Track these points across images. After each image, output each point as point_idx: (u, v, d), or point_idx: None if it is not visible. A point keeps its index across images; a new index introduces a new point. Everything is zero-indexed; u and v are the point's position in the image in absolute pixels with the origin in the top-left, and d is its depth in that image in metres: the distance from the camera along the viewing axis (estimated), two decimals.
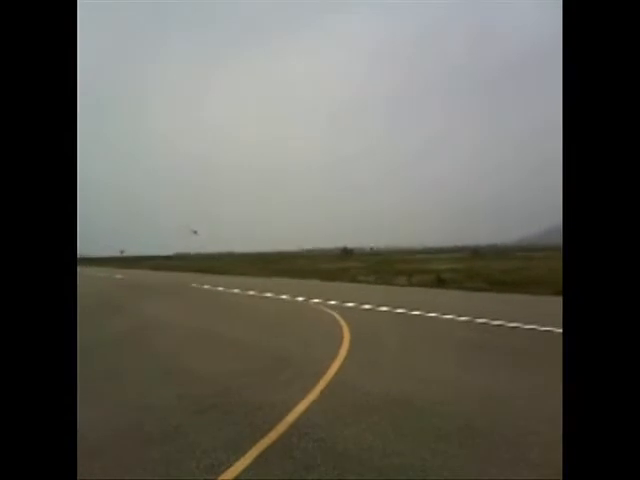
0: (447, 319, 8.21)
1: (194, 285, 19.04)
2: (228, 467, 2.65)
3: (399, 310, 9.54)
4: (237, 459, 2.75)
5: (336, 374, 4.65)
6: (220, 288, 16.96)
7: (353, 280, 19.72)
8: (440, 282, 16.19)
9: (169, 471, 2.65)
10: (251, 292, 15.06)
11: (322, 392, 4.06)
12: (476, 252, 58.60)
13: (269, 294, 14.10)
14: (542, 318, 7.69)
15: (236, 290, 15.96)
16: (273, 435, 3.10)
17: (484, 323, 7.65)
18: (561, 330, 6.69)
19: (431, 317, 8.53)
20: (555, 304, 9.65)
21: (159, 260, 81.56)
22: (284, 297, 13.11)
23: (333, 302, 11.27)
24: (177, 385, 4.47)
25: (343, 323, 7.99)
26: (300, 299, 12.40)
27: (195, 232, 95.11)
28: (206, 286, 18.18)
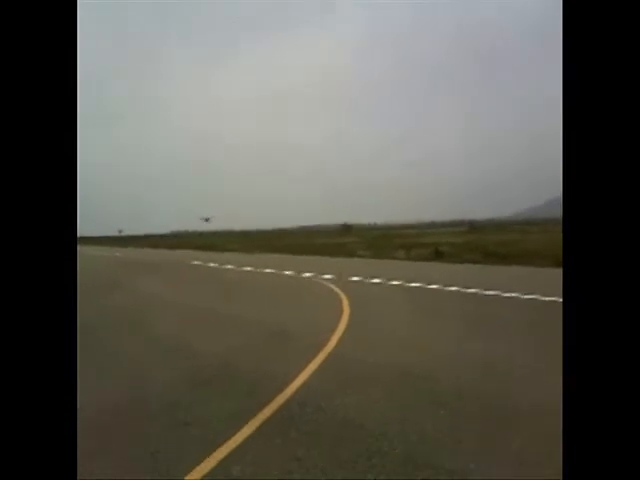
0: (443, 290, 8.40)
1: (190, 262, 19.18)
2: (232, 436, 2.74)
3: (395, 282, 9.69)
4: (239, 429, 2.83)
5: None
6: (229, 266, 17.01)
7: (353, 255, 19.82)
8: (438, 255, 16.30)
9: None
10: (248, 268, 15.21)
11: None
12: (473, 226, 58.50)
13: (269, 270, 14.21)
14: (534, 288, 7.90)
15: (230, 266, 16.06)
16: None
17: (476, 293, 7.88)
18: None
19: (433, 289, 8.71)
20: (549, 275, 9.92)
21: (156, 239, 79.61)
22: (288, 273, 13.21)
23: (332, 276, 11.36)
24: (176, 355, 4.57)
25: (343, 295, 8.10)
26: (307, 275, 12.52)
27: (207, 220, 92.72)
28: (211, 264, 18.25)
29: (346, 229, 68.34)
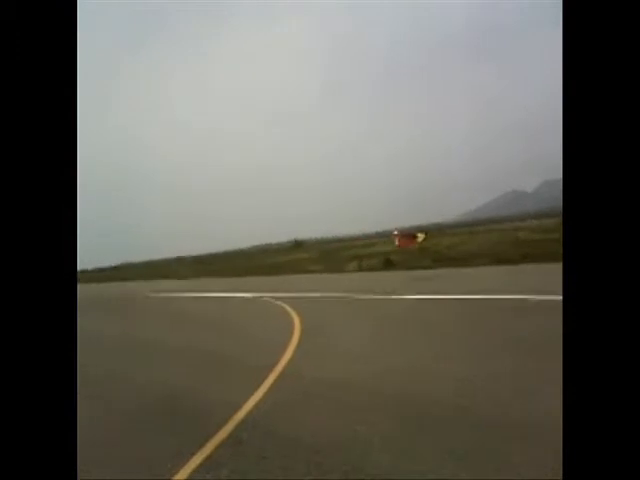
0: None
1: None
2: None
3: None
4: None
5: None
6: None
7: (305, 271, 19.54)
8: (388, 264, 16.38)
9: None
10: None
11: None
12: (422, 232, 60.01)
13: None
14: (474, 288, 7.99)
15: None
16: None
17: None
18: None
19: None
20: (491, 272, 10.61)
21: (93, 273, 67.83)
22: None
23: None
24: None
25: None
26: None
27: None
28: None
29: (297, 245, 68.04)
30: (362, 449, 2.70)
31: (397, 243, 12.73)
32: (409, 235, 14.30)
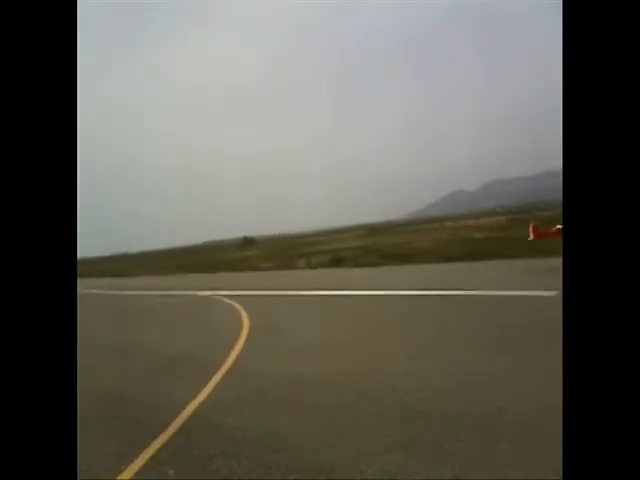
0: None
1: None
2: None
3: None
4: None
5: None
6: None
7: (255, 269, 19.33)
8: (338, 261, 16.58)
9: None
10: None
11: None
12: (371, 230, 61.18)
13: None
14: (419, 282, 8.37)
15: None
16: None
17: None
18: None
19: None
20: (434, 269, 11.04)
21: None
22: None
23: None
24: None
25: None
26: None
27: None
28: None
29: (248, 242, 67.22)
30: None
31: (532, 235, 11.68)
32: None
